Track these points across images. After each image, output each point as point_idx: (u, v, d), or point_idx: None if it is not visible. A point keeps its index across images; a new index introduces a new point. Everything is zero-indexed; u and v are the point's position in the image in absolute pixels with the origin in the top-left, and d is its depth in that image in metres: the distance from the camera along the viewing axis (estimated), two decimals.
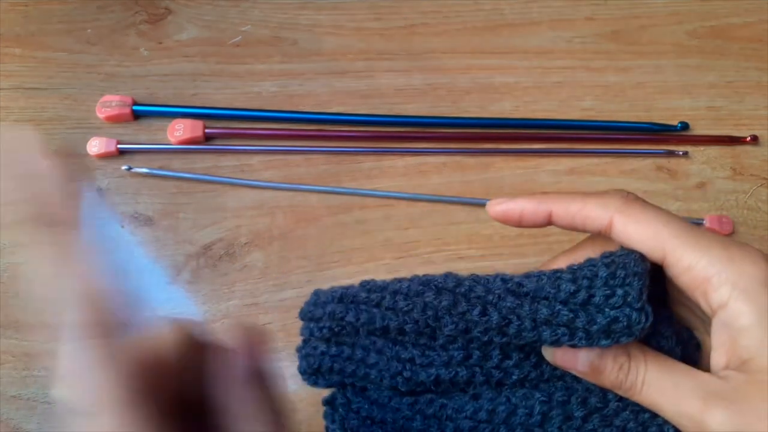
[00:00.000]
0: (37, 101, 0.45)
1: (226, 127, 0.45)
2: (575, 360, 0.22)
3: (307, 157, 0.44)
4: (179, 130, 0.44)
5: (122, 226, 0.42)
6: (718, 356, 0.22)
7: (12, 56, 0.47)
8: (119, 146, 0.43)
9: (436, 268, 0.41)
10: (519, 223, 0.25)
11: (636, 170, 0.44)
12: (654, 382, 0.22)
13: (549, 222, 0.25)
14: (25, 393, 0.38)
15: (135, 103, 0.44)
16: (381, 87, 0.46)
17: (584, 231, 0.24)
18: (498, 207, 0.25)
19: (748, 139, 0.45)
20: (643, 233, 0.22)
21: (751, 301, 0.20)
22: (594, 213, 0.23)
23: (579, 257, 0.23)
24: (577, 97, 0.46)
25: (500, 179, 0.44)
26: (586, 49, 0.48)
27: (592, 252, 0.24)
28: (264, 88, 0.46)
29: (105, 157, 0.44)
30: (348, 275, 0.41)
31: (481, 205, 0.43)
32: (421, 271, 0.40)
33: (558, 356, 0.23)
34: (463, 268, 0.41)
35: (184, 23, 0.48)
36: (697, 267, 0.21)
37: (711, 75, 0.47)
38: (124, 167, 0.43)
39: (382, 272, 0.41)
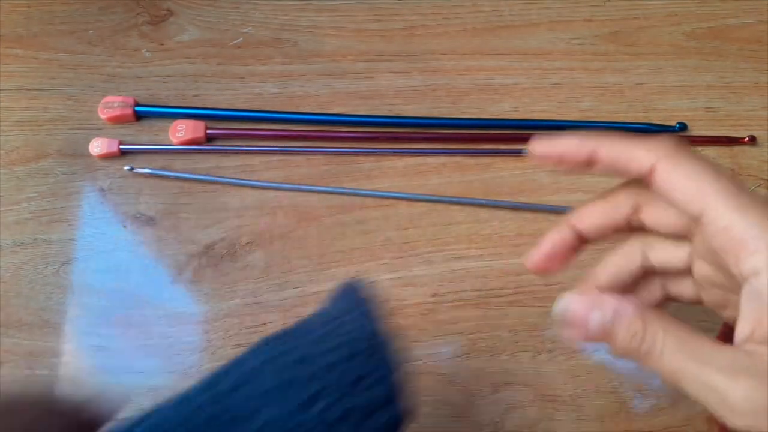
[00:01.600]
0: (40, 102, 0.46)
1: (227, 128, 0.45)
2: (586, 324, 0.22)
3: (308, 157, 0.45)
4: (181, 131, 0.44)
5: (125, 226, 0.42)
6: (743, 325, 0.20)
7: (14, 57, 0.47)
8: (121, 147, 0.44)
9: (435, 267, 0.41)
10: (559, 162, 0.24)
11: None
12: (673, 352, 0.21)
13: (589, 164, 0.24)
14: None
15: (137, 104, 0.45)
16: (381, 88, 0.47)
17: (624, 175, 0.23)
18: (539, 147, 0.24)
19: (746, 139, 0.45)
20: (686, 184, 0.21)
21: None
22: (640, 154, 0.22)
23: (612, 204, 0.23)
24: (576, 98, 0.47)
25: (499, 179, 0.44)
26: (585, 51, 0.48)
27: (626, 200, 0.23)
28: (265, 89, 0.46)
29: (107, 157, 0.44)
30: (348, 275, 0.41)
31: (481, 205, 0.43)
32: (420, 271, 0.41)
33: (568, 316, 0.22)
34: (462, 267, 0.42)
35: (185, 25, 0.48)
36: (734, 229, 0.20)
37: (709, 76, 0.48)
38: (126, 167, 0.43)
39: (382, 271, 0.41)
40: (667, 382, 0.21)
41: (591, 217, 0.25)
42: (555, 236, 0.25)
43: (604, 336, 0.22)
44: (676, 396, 0.38)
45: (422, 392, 0.39)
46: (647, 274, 0.26)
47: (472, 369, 0.39)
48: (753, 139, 0.45)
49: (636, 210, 0.24)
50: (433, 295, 0.41)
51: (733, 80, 0.48)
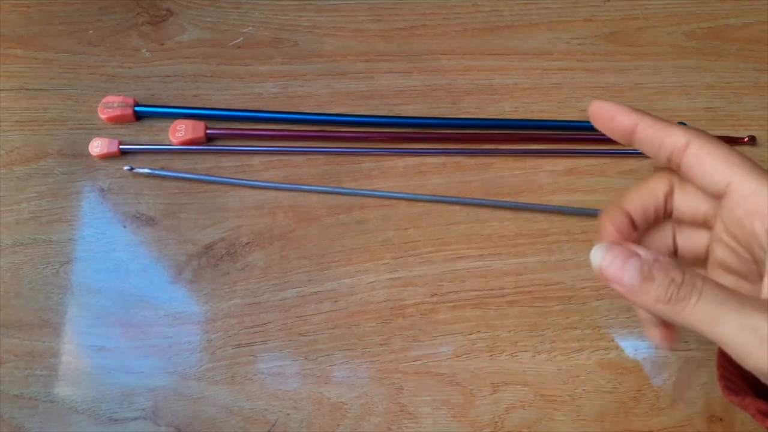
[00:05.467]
0: (40, 102, 0.46)
1: (227, 128, 0.45)
2: (623, 269, 0.22)
3: (308, 157, 0.45)
4: (181, 131, 0.44)
5: (124, 226, 0.42)
6: None
7: (14, 57, 0.47)
8: (121, 147, 0.44)
9: (435, 267, 0.42)
10: (606, 124, 0.27)
11: (634, 170, 0.45)
12: (711, 297, 0.21)
13: (629, 137, 0.26)
14: (27, 392, 0.39)
15: (137, 104, 0.45)
16: (381, 88, 0.47)
17: (656, 155, 0.26)
18: (597, 105, 0.27)
19: (746, 139, 0.45)
20: (714, 159, 0.24)
21: None
22: (676, 132, 0.25)
23: (650, 187, 0.26)
24: (576, 98, 0.47)
25: (499, 179, 0.44)
26: (585, 51, 0.48)
27: (661, 182, 0.26)
28: (265, 89, 0.46)
29: (107, 157, 0.44)
30: (348, 275, 0.41)
31: (481, 205, 0.43)
32: (420, 271, 0.41)
33: (606, 262, 0.22)
34: (462, 268, 0.42)
35: (185, 25, 0.48)
36: (762, 193, 0.23)
37: (709, 76, 0.48)
38: (126, 168, 0.43)
39: (382, 271, 0.41)
40: (700, 331, 0.21)
41: (634, 200, 0.27)
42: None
43: (643, 281, 0.22)
44: (676, 396, 0.39)
45: (422, 392, 0.39)
46: (661, 219, 0.28)
47: (472, 369, 0.39)
48: (753, 139, 0.45)
49: (671, 191, 0.27)
50: (433, 295, 0.41)
51: (733, 80, 0.48)
